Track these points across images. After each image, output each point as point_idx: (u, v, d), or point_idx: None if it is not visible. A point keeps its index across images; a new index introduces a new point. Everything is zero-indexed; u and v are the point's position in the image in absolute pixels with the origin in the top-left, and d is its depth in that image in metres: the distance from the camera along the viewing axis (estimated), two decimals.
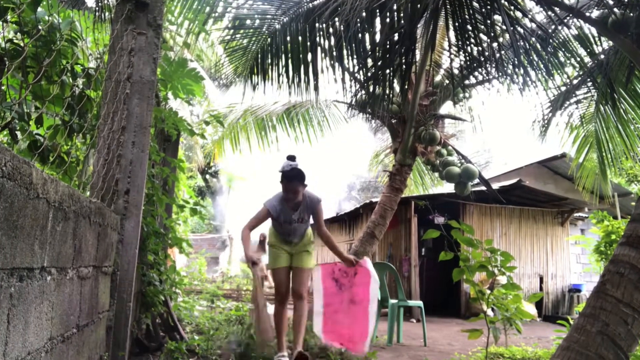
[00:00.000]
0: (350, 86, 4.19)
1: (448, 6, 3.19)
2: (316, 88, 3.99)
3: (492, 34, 3.30)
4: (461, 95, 5.55)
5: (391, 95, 4.46)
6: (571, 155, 6.36)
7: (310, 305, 3.56)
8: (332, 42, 3.65)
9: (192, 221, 9.82)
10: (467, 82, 5.01)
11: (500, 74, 3.85)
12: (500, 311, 3.32)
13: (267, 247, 3.57)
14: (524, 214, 9.57)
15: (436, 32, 3.47)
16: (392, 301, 5.29)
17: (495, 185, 7.22)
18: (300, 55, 4.03)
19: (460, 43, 3.40)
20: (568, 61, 4.19)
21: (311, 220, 3.53)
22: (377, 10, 3.22)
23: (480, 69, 3.98)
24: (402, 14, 3.24)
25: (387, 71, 3.48)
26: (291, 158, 3.43)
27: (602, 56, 4.20)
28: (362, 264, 3.53)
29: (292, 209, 3.38)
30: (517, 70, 3.60)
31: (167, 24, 4.03)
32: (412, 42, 3.33)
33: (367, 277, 3.46)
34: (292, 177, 3.27)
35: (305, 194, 3.40)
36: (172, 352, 2.84)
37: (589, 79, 4.44)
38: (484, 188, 6.12)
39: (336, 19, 3.34)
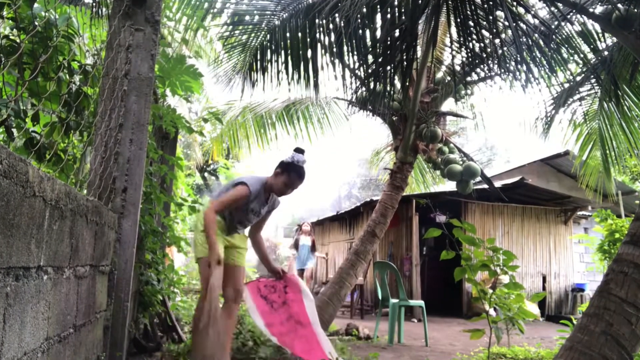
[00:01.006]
0: (351, 83, 4.16)
1: (449, 2, 3.17)
2: (316, 85, 3.95)
3: (495, 30, 3.27)
4: (463, 92, 5.51)
5: (392, 92, 4.43)
6: (574, 153, 6.33)
7: None
8: (333, 39, 3.61)
9: (190, 220, 9.77)
10: (469, 78, 4.97)
11: (502, 70, 3.83)
12: (502, 311, 3.29)
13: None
14: (527, 212, 9.53)
15: (438, 28, 3.44)
16: (393, 301, 5.26)
17: (497, 184, 7.18)
18: (300, 52, 3.98)
19: (462, 39, 3.37)
20: (571, 58, 4.16)
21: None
22: (378, 6, 3.19)
23: (482, 66, 3.95)
24: (403, 10, 3.21)
25: (388, 68, 3.44)
26: (303, 152, 3.05)
27: (606, 52, 4.17)
28: (290, 276, 3.21)
29: (265, 201, 3.03)
30: (519, 66, 3.58)
31: (165, 20, 4.00)
32: (414, 39, 3.30)
33: (298, 292, 3.13)
34: (303, 176, 2.97)
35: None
36: (171, 351, 2.82)
37: (592, 76, 4.41)
38: (486, 186, 6.08)
39: (336, 15, 3.30)
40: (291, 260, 8.90)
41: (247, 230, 3.20)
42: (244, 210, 2.94)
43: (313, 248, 8.76)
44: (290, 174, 2.92)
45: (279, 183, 2.94)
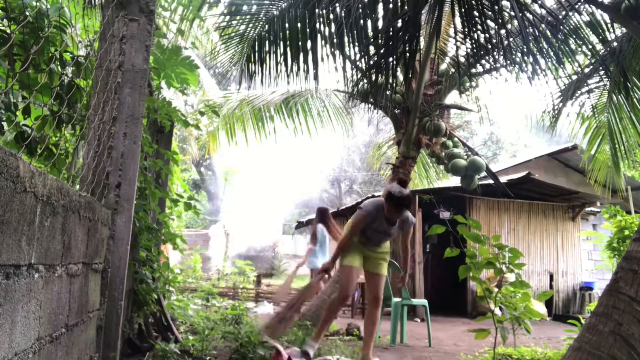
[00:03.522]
0: (352, 75, 4.11)
1: None
2: (316, 77, 3.90)
3: (500, 21, 3.21)
4: (467, 84, 5.43)
5: (394, 85, 4.38)
6: (583, 147, 6.25)
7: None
8: (333, 29, 3.55)
9: (186, 216, 9.78)
10: (473, 70, 4.89)
11: (508, 62, 3.76)
12: (508, 310, 3.24)
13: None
14: (534, 208, 9.42)
15: (441, 18, 3.37)
16: (396, 300, 5.18)
17: (503, 179, 7.09)
18: (300, 43, 3.92)
19: (466, 30, 3.32)
20: (579, 49, 4.08)
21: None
22: None
23: (487, 57, 3.88)
24: (405, 0, 3.14)
25: (390, 59, 3.40)
26: (404, 183, 3.53)
27: (615, 43, 4.10)
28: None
29: (387, 221, 3.48)
30: (526, 58, 3.52)
31: (160, 10, 3.96)
32: (416, 29, 3.25)
33: None
34: (406, 206, 3.45)
35: (405, 214, 3.57)
36: (165, 351, 2.77)
37: (601, 67, 4.35)
38: (491, 181, 6.00)
39: (337, 4, 3.25)
40: (305, 256, 6.84)
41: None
42: (370, 229, 3.49)
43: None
44: (390, 202, 3.38)
45: (386, 208, 3.44)
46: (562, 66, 3.81)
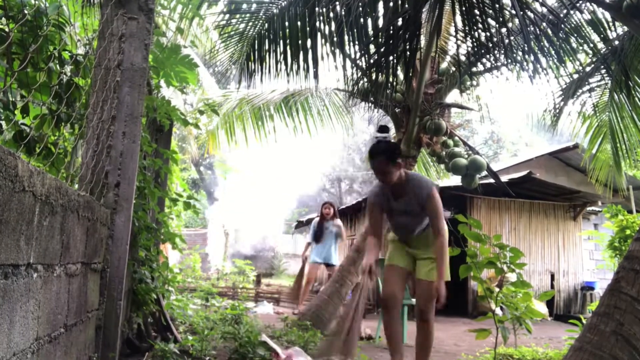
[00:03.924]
0: (352, 74, 4.10)
1: None
2: (316, 76, 3.88)
3: (501, 19, 3.20)
4: (468, 83, 5.41)
5: (395, 83, 4.37)
6: (584, 146, 6.23)
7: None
8: (333, 28, 3.54)
9: (185, 215, 9.78)
10: (474, 69, 4.88)
11: (509, 60, 3.75)
12: (509, 310, 3.22)
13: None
14: (535, 208, 9.41)
15: (442, 16, 3.36)
16: None
17: (504, 178, 7.07)
18: (300, 41, 3.91)
19: (467, 28, 3.31)
20: (580, 47, 4.07)
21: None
22: None
23: (488, 56, 3.88)
24: None
25: (391, 58, 3.39)
26: (382, 129, 2.81)
27: (617, 42, 4.09)
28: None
29: (393, 196, 2.80)
30: (526, 56, 3.51)
31: (159, 8, 3.94)
32: (417, 28, 3.24)
33: None
34: (374, 154, 2.67)
35: (411, 178, 2.77)
36: (164, 351, 2.76)
37: (602, 66, 4.33)
38: (492, 181, 5.98)
39: (337, 2, 3.25)
40: (304, 253, 6.90)
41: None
42: (388, 213, 2.92)
43: (339, 236, 6.65)
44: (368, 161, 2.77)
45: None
46: (563, 65, 3.80)
